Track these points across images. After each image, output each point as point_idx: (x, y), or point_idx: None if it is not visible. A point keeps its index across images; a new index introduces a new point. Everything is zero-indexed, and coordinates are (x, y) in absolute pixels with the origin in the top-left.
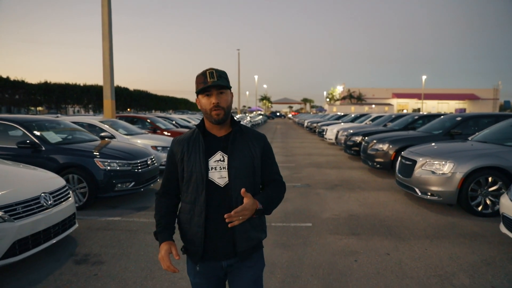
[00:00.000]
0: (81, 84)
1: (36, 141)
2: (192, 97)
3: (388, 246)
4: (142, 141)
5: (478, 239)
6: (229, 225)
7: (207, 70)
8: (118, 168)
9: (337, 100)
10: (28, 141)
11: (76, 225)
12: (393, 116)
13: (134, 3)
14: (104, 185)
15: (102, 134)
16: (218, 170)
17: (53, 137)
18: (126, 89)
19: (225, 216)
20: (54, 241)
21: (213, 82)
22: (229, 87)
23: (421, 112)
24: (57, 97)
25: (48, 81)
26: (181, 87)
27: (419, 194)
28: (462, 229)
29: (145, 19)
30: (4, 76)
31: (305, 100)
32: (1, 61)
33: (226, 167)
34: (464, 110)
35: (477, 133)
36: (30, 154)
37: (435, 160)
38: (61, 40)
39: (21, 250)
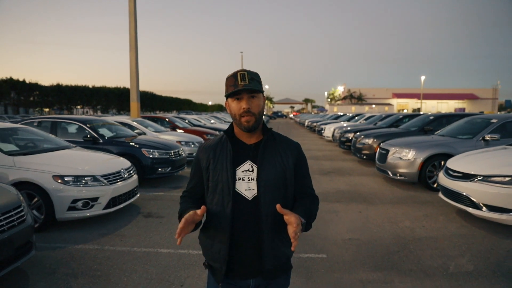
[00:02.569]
0: (90, 86)
1: (96, 135)
2: (195, 97)
3: (361, 208)
4: (168, 137)
5: (427, 204)
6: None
7: (238, 71)
8: (158, 156)
9: (338, 100)
10: (89, 136)
11: (138, 194)
12: (383, 115)
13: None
14: (149, 169)
15: (136, 131)
16: (246, 181)
17: (107, 133)
18: None
19: (293, 236)
20: (128, 203)
21: (244, 86)
22: (262, 91)
23: (421, 112)
24: (68, 98)
25: (60, 83)
26: (183, 87)
27: (391, 175)
28: (418, 199)
29: (146, 20)
30: (12, 78)
31: (306, 100)
32: (7, 62)
33: (255, 179)
34: (464, 109)
35: (441, 129)
36: (91, 145)
37: (402, 149)
38: (64, 41)
39: (113, 205)
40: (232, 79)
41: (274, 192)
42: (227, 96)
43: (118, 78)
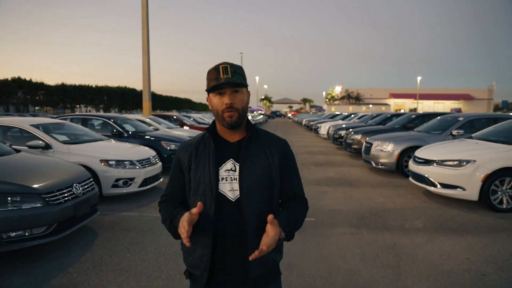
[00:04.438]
0: (93, 86)
1: (121, 130)
2: (194, 97)
3: (346, 189)
4: (179, 133)
5: (400, 187)
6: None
7: (220, 64)
8: (175, 148)
9: (336, 100)
10: (115, 130)
11: (162, 179)
12: (374, 114)
13: (136, 4)
14: (167, 159)
15: (151, 127)
16: (229, 182)
17: (130, 128)
18: (133, 90)
19: (252, 256)
20: (155, 184)
21: (227, 79)
22: (246, 85)
23: (417, 112)
24: (72, 98)
25: (64, 83)
26: (182, 87)
27: (374, 165)
28: (394, 183)
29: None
30: (20, 77)
31: (304, 100)
32: (8, 61)
33: (238, 178)
34: (460, 109)
35: (419, 126)
36: (118, 139)
37: (383, 143)
38: (66, 41)
39: (145, 184)
40: (214, 73)
41: (258, 192)
42: (209, 90)
43: (119, 78)
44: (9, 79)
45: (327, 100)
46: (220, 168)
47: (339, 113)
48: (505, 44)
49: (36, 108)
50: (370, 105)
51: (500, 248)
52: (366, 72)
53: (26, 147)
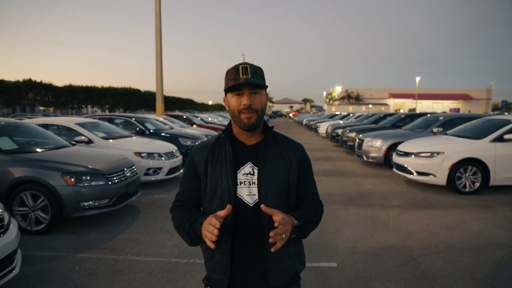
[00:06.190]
0: (99, 86)
1: (143, 128)
2: (195, 97)
3: (339, 179)
4: (191, 131)
5: (386, 177)
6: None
7: (240, 64)
8: (191, 144)
9: (336, 100)
10: (138, 128)
11: (181, 170)
12: (369, 114)
13: (139, 5)
14: (185, 153)
15: (167, 126)
16: (247, 186)
17: (150, 126)
18: (138, 91)
19: (271, 235)
20: (177, 174)
21: (246, 80)
22: (265, 87)
23: (416, 112)
24: (80, 99)
25: (72, 84)
26: (184, 87)
27: (365, 159)
28: (382, 174)
29: (147, 21)
30: (31, 79)
31: (305, 100)
32: (13, 62)
33: (256, 182)
34: (458, 110)
35: (407, 125)
36: (141, 136)
37: (373, 139)
38: (66, 41)
39: (170, 173)
40: (232, 73)
41: (276, 197)
42: (227, 90)
43: (121, 78)
44: (21, 80)
45: (327, 100)
46: (238, 171)
47: (338, 113)
48: (504, 44)
49: (41, 108)
50: (370, 105)
51: (454, 218)
52: (366, 73)
53: (74, 142)
